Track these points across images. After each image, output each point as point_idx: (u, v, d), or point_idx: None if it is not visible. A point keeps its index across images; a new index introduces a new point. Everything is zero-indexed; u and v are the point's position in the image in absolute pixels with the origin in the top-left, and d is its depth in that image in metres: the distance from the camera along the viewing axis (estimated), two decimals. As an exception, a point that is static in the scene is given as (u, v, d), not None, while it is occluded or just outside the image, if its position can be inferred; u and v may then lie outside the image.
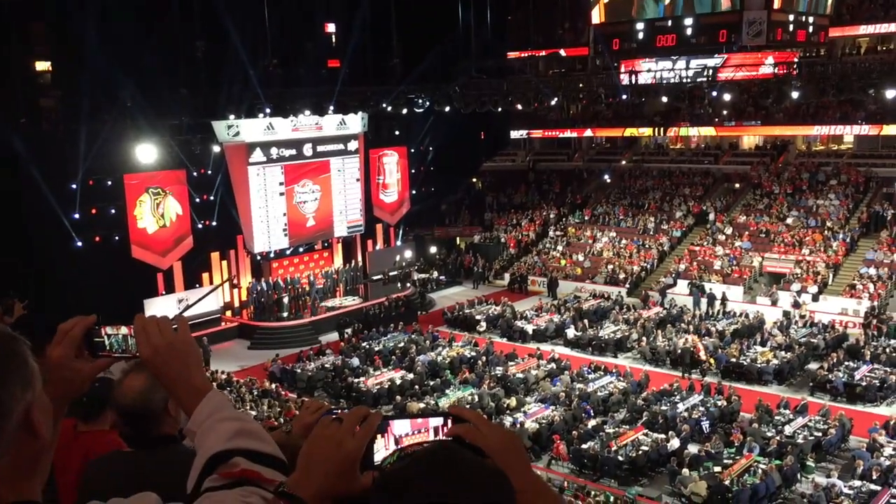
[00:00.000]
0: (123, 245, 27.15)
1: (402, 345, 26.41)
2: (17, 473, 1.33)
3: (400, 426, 1.43)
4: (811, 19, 27.85)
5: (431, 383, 22.96)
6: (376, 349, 26.02)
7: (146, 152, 27.38)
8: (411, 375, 23.42)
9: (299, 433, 2.94)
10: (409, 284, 33.67)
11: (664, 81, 30.99)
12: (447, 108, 33.93)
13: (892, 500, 15.40)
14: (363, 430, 1.36)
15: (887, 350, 23.72)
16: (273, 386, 23.26)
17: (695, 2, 26.46)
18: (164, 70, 28.46)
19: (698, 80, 29.99)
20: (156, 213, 27.99)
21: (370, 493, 1.22)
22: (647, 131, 40.16)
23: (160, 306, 26.97)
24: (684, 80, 30.45)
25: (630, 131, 41.16)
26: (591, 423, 19.53)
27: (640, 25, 27.86)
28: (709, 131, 39.55)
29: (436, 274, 37.18)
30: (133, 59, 27.15)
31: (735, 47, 27.71)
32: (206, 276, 30.30)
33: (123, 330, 1.82)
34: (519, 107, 35.73)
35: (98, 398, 3.11)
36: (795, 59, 29.23)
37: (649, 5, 27.38)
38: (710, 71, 29.75)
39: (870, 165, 35.45)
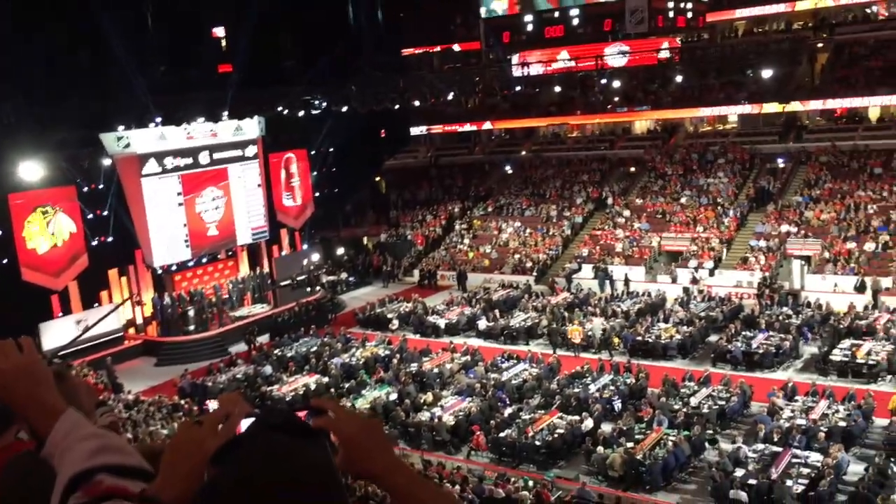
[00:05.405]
0: (12, 268, 25.82)
1: (314, 349, 26.13)
2: None
3: None
4: (689, 5, 28.95)
5: (347, 385, 22.80)
6: (289, 355, 25.68)
7: (31, 170, 26.19)
8: (326, 379, 23.24)
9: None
10: (318, 288, 33.32)
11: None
12: (344, 108, 33.71)
13: (793, 460, 16.21)
14: (225, 429, 1.37)
15: (780, 318, 25.01)
16: (184, 402, 22.63)
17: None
18: (46, 82, 27.24)
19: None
20: (46, 233, 26.76)
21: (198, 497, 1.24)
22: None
23: (57, 329, 25.88)
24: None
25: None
26: (508, 411, 19.83)
27: (528, 17, 28.29)
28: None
29: (345, 275, 36.90)
30: (12, 72, 25.89)
31: (620, 35, 28.58)
32: (105, 294, 29.17)
33: None
34: (416, 103, 35.85)
35: (2, 411, 3.01)
36: (663, 46, 30.14)
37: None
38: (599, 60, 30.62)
39: (753, 143, 37.15)
